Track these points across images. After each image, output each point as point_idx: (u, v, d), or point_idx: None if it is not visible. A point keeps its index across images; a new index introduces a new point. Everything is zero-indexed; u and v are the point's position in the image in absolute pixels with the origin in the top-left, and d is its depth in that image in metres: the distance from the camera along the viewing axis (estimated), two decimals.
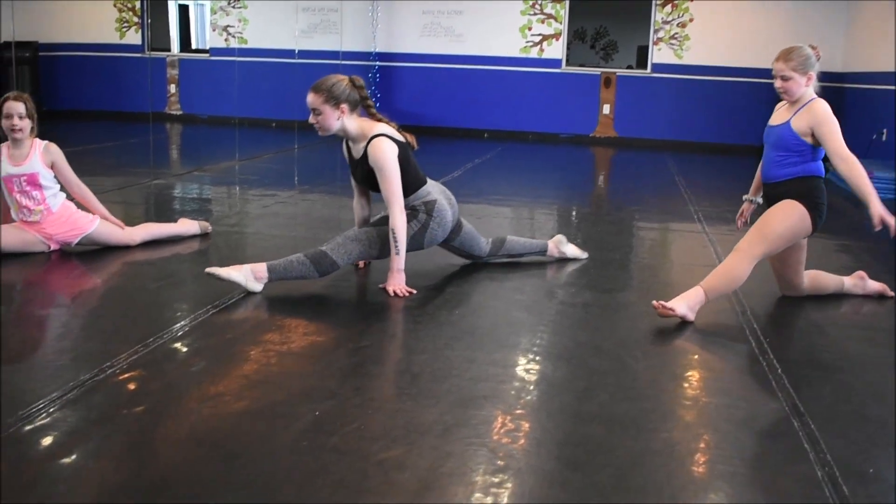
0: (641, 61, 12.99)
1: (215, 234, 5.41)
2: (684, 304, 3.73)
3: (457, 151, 10.39)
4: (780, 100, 4.07)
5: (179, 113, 13.65)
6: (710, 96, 12.49)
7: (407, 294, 3.97)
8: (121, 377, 2.89)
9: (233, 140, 10.36)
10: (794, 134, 3.91)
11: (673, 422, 2.75)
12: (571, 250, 4.90)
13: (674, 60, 12.56)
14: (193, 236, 5.15)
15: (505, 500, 2.17)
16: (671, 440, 2.59)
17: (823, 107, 3.89)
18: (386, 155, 4.03)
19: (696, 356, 3.40)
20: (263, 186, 7.51)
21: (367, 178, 4.18)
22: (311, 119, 4.04)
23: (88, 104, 13.55)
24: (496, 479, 2.27)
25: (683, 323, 3.70)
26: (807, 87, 3.91)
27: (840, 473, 2.39)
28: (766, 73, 12.02)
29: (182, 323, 3.49)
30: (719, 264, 3.89)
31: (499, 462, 2.37)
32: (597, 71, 12.99)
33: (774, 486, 2.33)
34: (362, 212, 4.45)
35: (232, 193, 7.36)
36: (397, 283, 4.01)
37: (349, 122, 4.08)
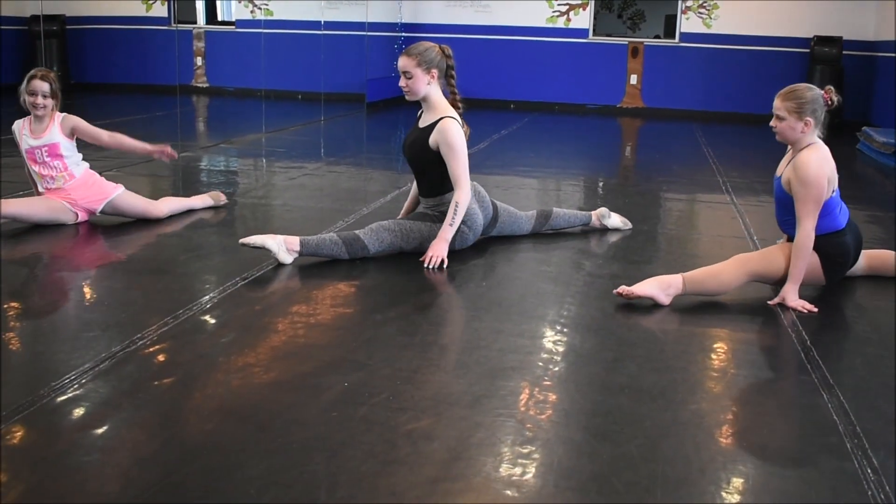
0: (669, 31, 12.87)
1: (242, 206, 5.43)
2: (655, 286, 3.55)
3: (483, 122, 10.35)
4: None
5: (206, 85, 13.68)
6: (740, 66, 12.35)
7: (439, 263, 3.98)
8: (151, 349, 2.92)
9: (259, 112, 10.37)
10: (783, 192, 3.67)
11: (701, 393, 2.75)
12: (614, 221, 4.90)
13: (702, 30, 12.42)
14: (208, 208, 5.17)
15: (533, 471, 2.18)
16: (700, 411, 2.59)
17: (809, 160, 3.55)
18: (458, 135, 4.12)
19: (725, 328, 3.39)
20: (290, 158, 7.52)
21: (416, 144, 4.23)
22: (402, 82, 4.16)
23: (115, 77, 13.61)
24: (525, 450, 2.28)
25: (711, 298, 3.66)
26: (803, 134, 3.60)
27: (869, 445, 2.38)
28: (797, 42, 11.90)
29: (211, 295, 3.52)
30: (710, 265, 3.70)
31: (527, 433, 2.38)
32: (624, 41, 12.88)
33: (803, 458, 2.33)
34: (413, 203, 4.46)
35: (259, 165, 7.38)
36: (438, 250, 4.02)
37: (434, 89, 4.19)
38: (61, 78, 4.77)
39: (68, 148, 4.64)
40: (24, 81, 4.57)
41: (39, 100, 4.55)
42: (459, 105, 4.27)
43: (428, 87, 4.16)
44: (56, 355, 2.89)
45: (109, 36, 13.75)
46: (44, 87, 4.55)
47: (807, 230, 3.56)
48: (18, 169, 5.13)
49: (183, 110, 11.50)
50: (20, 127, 4.65)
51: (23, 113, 4.67)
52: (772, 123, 3.68)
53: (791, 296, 3.56)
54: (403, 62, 4.12)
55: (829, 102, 3.62)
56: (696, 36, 12.47)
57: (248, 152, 8.04)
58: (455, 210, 4.08)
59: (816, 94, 3.61)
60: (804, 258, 3.57)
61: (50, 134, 4.58)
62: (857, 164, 7.98)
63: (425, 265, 3.97)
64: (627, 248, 4.58)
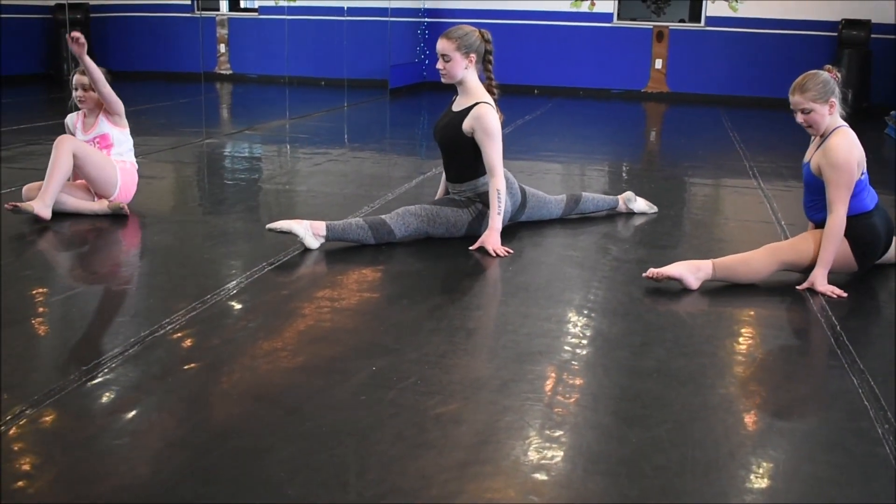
0: (695, 15, 12.75)
1: (266, 192, 5.44)
2: (685, 268, 3.53)
3: (507, 107, 10.27)
4: None
5: (230, 72, 13.71)
6: (766, 50, 12.23)
7: (505, 254, 3.97)
8: (179, 333, 2.93)
9: (283, 99, 10.38)
10: (813, 176, 3.65)
11: (730, 377, 2.73)
12: (640, 205, 4.89)
13: (728, 13, 12.30)
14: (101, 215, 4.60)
15: (562, 455, 2.17)
16: (729, 396, 2.58)
17: (839, 144, 3.54)
18: (494, 121, 4.10)
19: (753, 312, 3.37)
20: (314, 145, 7.53)
21: (448, 128, 4.20)
22: (440, 65, 4.13)
23: (140, 65, 13.65)
24: (553, 434, 2.27)
25: (739, 283, 3.63)
26: (831, 116, 3.59)
27: None
28: (825, 25, 11.77)
29: (238, 280, 3.53)
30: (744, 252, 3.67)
31: (555, 417, 2.38)
32: (649, 25, 12.78)
33: (834, 443, 2.31)
34: (445, 189, 4.45)
35: (283, 152, 7.39)
36: (494, 242, 4.01)
37: (471, 74, 4.17)
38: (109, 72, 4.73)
39: (118, 138, 4.66)
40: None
41: (81, 93, 4.60)
42: (495, 91, 4.25)
43: (465, 71, 4.13)
44: (85, 340, 2.92)
45: (133, 24, 13.80)
46: (83, 80, 4.61)
47: (839, 215, 3.54)
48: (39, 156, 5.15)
49: (207, 97, 11.53)
50: (73, 121, 4.72)
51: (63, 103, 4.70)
52: (800, 120, 3.64)
53: (820, 280, 3.53)
54: (443, 45, 4.09)
55: (837, 78, 3.63)
56: (721, 20, 12.36)
57: (272, 139, 8.05)
58: (498, 198, 4.07)
59: (825, 75, 3.61)
60: (835, 243, 3.54)
61: (99, 126, 4.62)
62: (885, 149, 7.89)
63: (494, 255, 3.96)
64: (654, 233, 4.56)
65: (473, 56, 4.11)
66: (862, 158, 3.60)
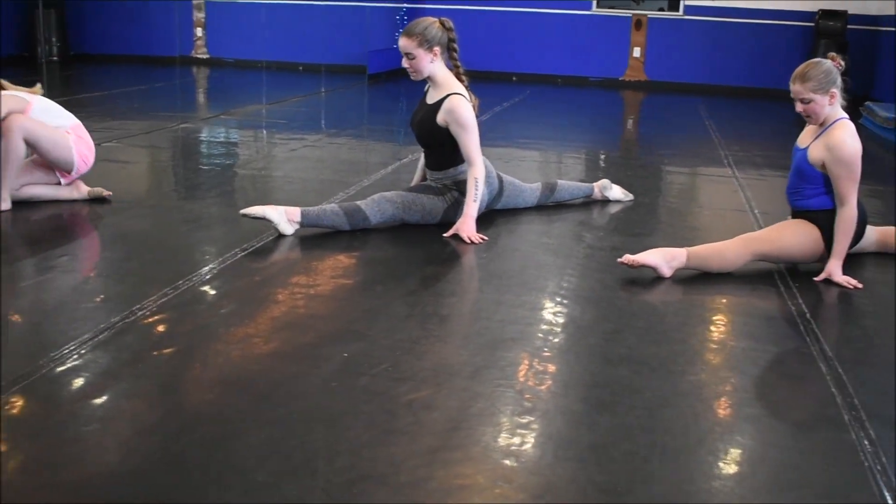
0: (674, 3, 12.77)
1: (242, 177, 5.42)
2: (659, 256, 3.54)
3: (485, 94, 10.27)
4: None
5: (206, 56, 13.61)
6: (744, 39, 12.27)
7: (479, 241, 3.97)
8: (151, 319, 2.92)
9: (260, 83, 10.35)
10: (809, 164, 3.65)
11: (701, 365, 2.76)
12: (615, 193, 4.91)
13: (707, 2, 12.33)
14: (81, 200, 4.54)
15: (532, 441, 2.19)
16: (699, 383, 2.60)
17: (844, 139, 3.55)
18: (468, 112, 4.08)
19: (725, 300, 3.39)
20: (291, 130, 7.50)
21: (424, 122, 4.19)
22: (405, 63, 4.12)
23: (115, 48, 13.52)
24: (524, 420, 2.29)
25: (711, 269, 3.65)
26: (831, 107, 3.59)
27: (867, 417, 2.39)
28: (802, 15, 11.83)
29: (211, 266, 3.52)
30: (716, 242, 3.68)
31: (526, 403, 2.39)
32: (627, 13, 12.79)
33: (801, 429, 2.34)
34: (423, 174, 4.44)
35: (259, 137, 7.36)
36: (469, 229, 4.01)
37: (439, 66, 4.14)
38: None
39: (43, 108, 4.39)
40: None
41: None
42: (464, 78, 4.24)
43: (432, 65, 4.11)
44: (55, 326, 2.90)
45: (108, 6, 13.65)
46: None
47: (851, 206, 3.58)
48: None
49: (182, 81, 11.46)
50: None
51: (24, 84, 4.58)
52: (799, 109, 3.63)
53: (836, 272, 3.57)
54: (404, 43, 4.07)
55: (840, 67, 3.63)
56: (700, 9, 12.39)
57: (248, 124, 8.01)
58: (475, 186, 4.06)
59: (828, 64, 3.60)
60: (848, 235, 3.59)
61: None
62: (861, 139, 7.93)
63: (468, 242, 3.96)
64: (628, 221, 4.58)
65: (437, 48, 4.08)
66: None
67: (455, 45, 4.18)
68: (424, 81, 4.26)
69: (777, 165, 6.18)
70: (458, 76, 4.21)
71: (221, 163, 5.94)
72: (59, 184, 4.44)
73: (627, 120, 9.97)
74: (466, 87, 4.20)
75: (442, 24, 4.13)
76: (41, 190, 4.43)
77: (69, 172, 4.40)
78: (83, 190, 4.52)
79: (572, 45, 12.81)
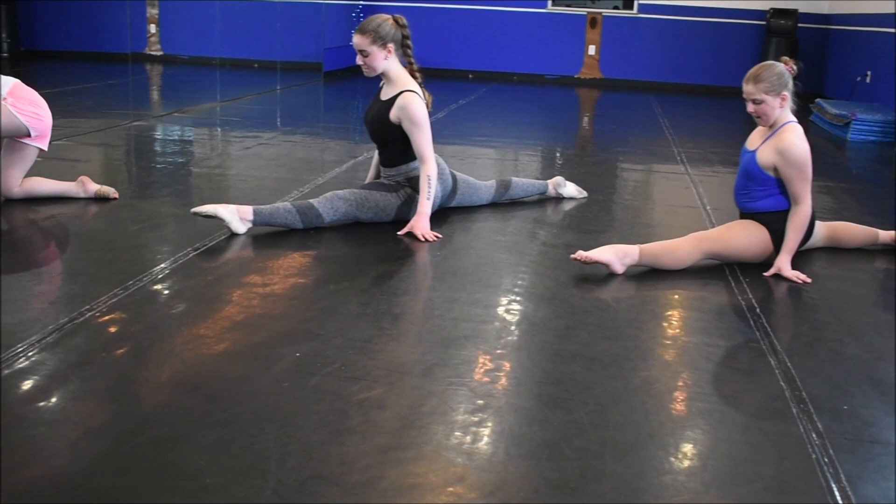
0: (628, 2, 12.86)
1: (196, 175, 5.37)
2: (612, 253, 3.55)
3: (441, 92, 10.29)
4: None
5: (160, 53, 13.47)
6: (697, 38, 12.40)
7: (434, 239, 3.97)
8: (101, 320, 2.88)
9: (214, 81, 10.26)
10: (758, 167, 3.69)
11: (652, 360, 2.78)
12: (570, 190, 4.94)
13: (661, 1, 12.44)
14: (88, 198, 4.54)
15: (484, 439, 2.19)
16: (650, 378, 2.62)
17: (794, 142, 3.60)
18: (420, 109, 4.07)
19: (676, 296, 3.42)
20: (245, 128, 7.44)
21: (377, 119, 4.18)
22: (359, 60, 4.11)
23: (67, 45, 13.34)
24: (476, 418, 2.29)
25: (662, 267, 3.69)
26: (782, 109, 3.65)
27: (815, 410, 2.42)
28: (753, 14, 11.97)
29: (163, 265, 3.48)
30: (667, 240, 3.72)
31: (479, 401, 2.39)
32: (583, 11, 12.85)
33: (750, 423, 2.36)
34: (376, 171, 4.43)
35: (214, 135, 7.29)
36: (423, 227, 4.01)
37: (393, 63, 4.13)
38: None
39: None
40: None
41: None
42: (418, 75, 4.23)
43: (386, 62, 4.11)
44: (3, 328, 2.84)
45: (60, 2, 13.47)
46: None
47: (806, 205, 3.64)
48: None
49: (136, 79, 11.33)
50: None
51: None
52: (751, 110, 3.68)
53: (786, 266, 3.62)
54: (358, 40, 4.06)
55: (792, 71, 3.68)
56: (654, 7, 12.50)
57: (202, 121, 7.94)
58: (428, 184, 4.06)
59: (781, 67, 3.65)
60: (801, 231, 3.65)
61: None
62: (810, 136, 8.03)
63: (422, 240, 3.96)
64: (582, 218, 4.60)
65: (391, 45, 4.08)
66: None
67: (409, 42, 4.17)
68: (379, 78, 4.25)
69: (729, 162, 6.25)
70: (412, 73, 4.20)
71: (175, 161, 5.87)
72: (41, 150, 4.42)
73: (583, 117, 10.02)
74: (420, 85, 4.20)
75: (396, 21, 4.12)
76: (47, 186, 4.45)
77: (29, 136, 4.33)
78: (90, 188, 4.51)
79: (528, 43, 12.86)
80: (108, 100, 8.95)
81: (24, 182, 4.42)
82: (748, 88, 3.64)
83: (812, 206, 3.76)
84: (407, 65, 4.21)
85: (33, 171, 4.51)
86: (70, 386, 2.41)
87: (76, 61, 12.64)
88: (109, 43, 13.20)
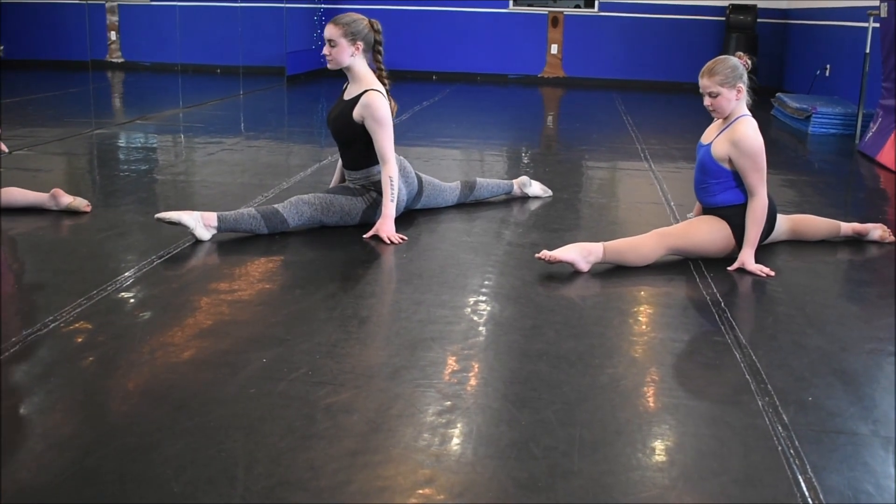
0: (589, 0, 12.93)
1: (160, 182, 5.33)
2: (576, 251, 3.57)
3: (405, 94, 10.30)
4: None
5: (121, 60, 13.36)
6: (658, 34, 12.50)
7: (399, 241, 3.97)
8: (64, 330, 2.86)
9: (176, 87, 10.19)
10: (713, 160, 3.72)
11: (619, 357, 2.79)
12: (535, 189, 4.96)
13: None
14: (60, 211, 4.44)
15: (453, 440, 2.19)
16: (617, 375, 2.63)
17: (748, 133, 3.64)
18: (384, 108, 4.07)
19: (642, 292, 3.44)
20: (208, 133, 7.40)
21: (340, 118, 4.17)
22: (326, 50, 4.09)
23: (25, 53, 13.18)
24: (444, 420, 2.29)
25: (627, 264, 3.71)
26: (737, 101, 3.69)
27: (780, 402, 2.45)
28: (713, 10, 12.07)
29: (127, 273, 3.45)
30: (630, 237, 3.75)
31: (447, 402, 2.39)
32: (544, 10, 12.90)
33: (716, 417, 2.38)
34: (341, 175, 4.42)
35: (177, 141, 7.24)
36: (388, 229, 4.01)
37: (359, 62, 4.13)
38: None
39: None
40: None
41: None
42: (386, 81, 4.24)
43: (352, 58, 4.11)
44: None
45: (17, 9, 13.32)
46: None
47: (761, 197, 3.67)
48: None
49: (96, 86, 11.23)
50: None
51: None
52: (707, 103, 3.72)
53: (749, 261, 3.66)
54: (330, 30, 4.06)
55: (747, 65, 3.72)
56: (615, 5, 12.57)
57: (165, 128, 7.89)
58: (391, 185, 4.06)
59: (735, 61, 3.70)
60: (760, 224, 3.67)
61: None
62: (771, 130, 8.13)
63: (388, 243, 3.96)
64: (548, 217, 4.62)
65: (361, 44, 4.08)
66: None
67: (381, 49, 4.19)
68: (343, 78, 4.24)
69: (691, 158, 6.27)
70: (380, 78, 4.21)
71: (138, 168, 5.83)
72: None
73: (547, 116, 10.06)
74: (387, 90, 4.20)
75: (371, 24, 4.15)
76: (19, 197, 4.41)
77: None
78: (63, 201, 4.43)
79: (491, 43, 12.89)
80: (69, 108, 8.87)
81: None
82: (703, 82, 3.69)
83: (772, 199, 3.80)
84: (376, 70, 4.21)
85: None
86: (34, 398, 2.39)
87: (36, 70, 12.51)
88: (69, 51, 13.05)
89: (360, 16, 4.13)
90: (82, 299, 3.13)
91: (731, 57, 3.72)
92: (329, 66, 4.15)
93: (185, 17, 12.58)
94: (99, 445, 2.12)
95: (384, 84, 4.20)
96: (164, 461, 2.05)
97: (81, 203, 4.46)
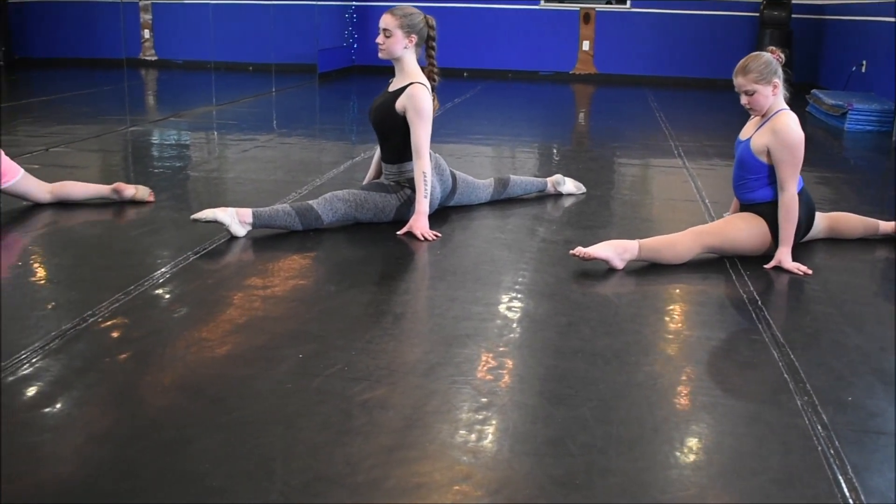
0: None
1: (194, 179, 5.37)
2: (611, 249, 3.55)
3: (437, 91, 10.30)
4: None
5: (154, 58, 13.46)
6: (690, 31, 12.40)
7: (433, 238, 3.97)
8: (103, 325, 2.88)
9: (209, 85, 10.23)
10: (752, 154, 3.69)
11: (655, 355, 2.77)
12: (569, 187, 4.95)
13: None
14: (123, 202, 4.59)
15: (489, 437, 2.19)
16: (653, 373, 2.61)
17: (789, 124, 3.61)
18: (426, 102, 4.09)
19: (678, 290, 3.42)
20: (241, 131, 7.44)
21: (382, 108, 4.18)
22: (380, 39, 4.11)
23: (61, 51, 13.33)
24: (480, 416, 2.29)
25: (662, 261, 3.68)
26: (774, 97, 3.65)
27: (819, 402, 2.42)
28: (747, 6, 11.97)
29: (164, 269, 3.48)
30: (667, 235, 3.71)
31: (482, 399, 2.39)
32: (575, 7, 12.85)
33: (754, 416, 2.36)
34: (376, 170, 4.43)
35: (210, 139, 7.29)
36: (421, 226, 4.01)
37: (410, 55, 4.16)
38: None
39: None
40: None
41: None
42: (436, 77, 4.27)
43: (404, 50, 4.13)
44: (6, 335, 2.83)
45: (53, 9, 13.45)
46: None
47: (791, 192, 3.62)
48: None
49: (130, 84, 11.31)
50: None
51: None
52: (744, 102, 3.69)
53: (786, 258, 3.62)
54: (386, 20, 4.08)
55: (780, 59, 3.69)
56: (647, 2, 12.49)
57: (198, 125, 7.94)
58: (424, 180, 4.06)
59: (768, 56, 3.67)
60: (791, 220, 3.63)
61: None
62: (807, 127, 8.03)
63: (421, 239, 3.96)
64: (581, 214, 4.60)
65: (415, 37, 4.11)
66: None
67: (434, 45, 4.23)
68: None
69: (726, 155, 6.25)
70: (430, 74, 4.23)
71: (172, 165, 5.87)
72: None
73: (579, 113, 10.02)
74: (433, 87, 4.21)
75: (426, 19, 4.19)
76: (79, 190, 4.53)
77: None
78: (126, 194, 4.55)
79: (522, 39, 12.86)
80: (104, 105, 8.94)
81: (54, 187, 4.49)
82: (738, 81, 3.66)
83: (810, 196, 3.76)
84: (427, 66, 4.24)
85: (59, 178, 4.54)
86: (74, 392, 2.41)
87: (71, 68, 12.63)
88: (104, 49, 13.16)
89: (416, 10, 4.17)
90: (120, 294, 3.16)
91: (764, 53, 3.68)
92: (380, 55, 4.15)
93: (217, 15, 12.65)
94: (137, 439, 2.14)
95: (433, 80, 4.22)
96: (201, 455, 2.06)
97: (145, 192, 4.56)
